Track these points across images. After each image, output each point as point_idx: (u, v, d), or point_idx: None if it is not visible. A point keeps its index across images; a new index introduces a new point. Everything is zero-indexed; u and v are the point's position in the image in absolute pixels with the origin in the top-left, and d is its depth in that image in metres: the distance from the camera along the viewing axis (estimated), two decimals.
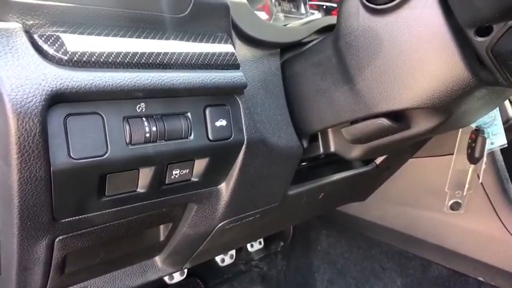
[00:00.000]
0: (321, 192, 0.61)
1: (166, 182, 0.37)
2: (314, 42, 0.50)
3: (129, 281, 0.51)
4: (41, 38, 0.29)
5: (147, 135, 0.33)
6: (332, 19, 0.53)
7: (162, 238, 0.48)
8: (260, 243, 1.03)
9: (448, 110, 0.41)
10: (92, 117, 0.30)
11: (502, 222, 0.68)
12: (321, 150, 0.54)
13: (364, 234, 0.87)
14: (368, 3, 0.38)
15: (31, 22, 0.29)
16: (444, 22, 0.35)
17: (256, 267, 1.05)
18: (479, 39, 0.34)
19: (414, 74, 0.37)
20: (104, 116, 0.31)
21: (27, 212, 0.30)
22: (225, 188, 0.43)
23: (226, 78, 0.37)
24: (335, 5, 0.68)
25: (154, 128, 0.33)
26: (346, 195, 0.74)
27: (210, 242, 0.50)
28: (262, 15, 0.59)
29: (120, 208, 0.36)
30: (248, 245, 1.01)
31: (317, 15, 0.67)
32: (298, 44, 0.50)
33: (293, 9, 0.65)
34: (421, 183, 0.74)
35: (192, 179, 0.39)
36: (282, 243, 1.05)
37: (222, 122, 0.37)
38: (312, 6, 0.67)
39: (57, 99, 0.28)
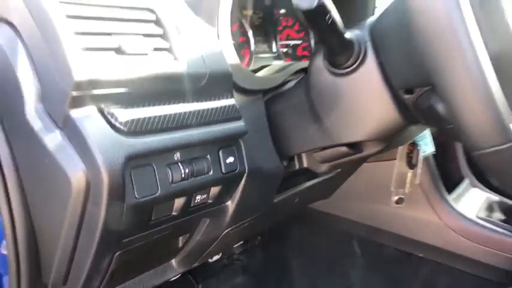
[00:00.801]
0: (296, 197, 0.76)
1: (191, 206, 0.51)
2: (290, 85, 0.64)
3: (153, 281, 0.63)
4: (110, 116, 0.41)
5: (183, 175, 0.46)
6: (303, 64, 0.68)
7: (180, 245, 0.61)
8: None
9: (389, 139, 0.57)
10: (147, 167, 0.43)
11: (435, 211, 0.88)
12: (297, 166, 0.69)
13: (330, 226, 1.04)
14: (330, 68, 0.53)
15: (102, 105, 0.41)
16: (383, 84, 0.51)
17: (237, 260, 1.19)
18: (406, 96, 0.50)
19: (365, 118, 0.53)
20: (154, 166, 0.44)
21: (105, 236, 0.43)
22: (230, 205, 0.57)
23: (233, 128, 0.51)
24: (299, 42, 0.83)
25: (187, 170, 0.46)
26: (314, 196, 0.90)
27: (216, 245, 0.64)
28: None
29: (159, 228, 0.49)
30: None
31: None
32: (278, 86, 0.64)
33: (267, 49, 0.79)
34: (373, 183, 0.91)
35: (208, 201, 0.53)
36: (259, 238, 1.20)
37: (230, 159, 0.51)
38: (282, 45, 0.81)
39: (128, 159, 0.41)
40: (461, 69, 0.37)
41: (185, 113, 0.46)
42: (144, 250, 0.53)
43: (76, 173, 0.38)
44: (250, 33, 0.76)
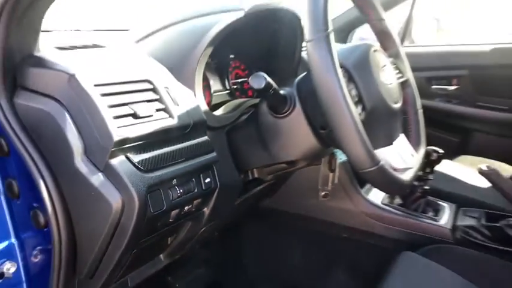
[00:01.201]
0: (250, 199, 1.00)
1: (182, 214, 0.72)
2: (243, 118, 0.88)
3: (148, 271, 0.84)
4: (134, 160, 0.61)
5: (178, 194, 0.68)
6: (252, 101, 0.91)
7: (168, 243, 0.83)
8: None
9: (313, 157, 0.84)
10: (157, 191, 0.64)
11: (352, 201, 1.17)
12: (250, 177, 0.93)
13: (275, 219, 1.30)
14: (272, 113, 0.78)
15: (128, 154, 0.61)
16: (307, 124, 0.76)
17: (199, 253, 1.41)
18: (322, 131, 0.76)
19: (297, 145, 0.78)
20: (161, 190, 0.65)
21: (132, 239, 0.63)
22: (206, 210, 0.80)
23: (209, 159, 0.73)
24: (246, 79, 1.07)
25: (181, 190, 0.68)
26: (262, 196, 1.15)
27: (193, 241, 0.86)
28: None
29: (161, 231, 0.71)
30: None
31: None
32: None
33: (222, 87, 1.02)
34: (306, 183, 1.18)
35: (192, 209, 0.75)
36: (216, 233, 1.43)
37: (208, 180, 0.74)
38: (232, 83, 1.05)
39: (147, 188, 0.62)
40: (339, 120, 0.62)
41: (178, 150, 0.68)
42: (147, 248, 0.74)
43: (116, 200, 0.59)
44: (210, 78, 0.98)
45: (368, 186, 1.25)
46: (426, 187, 1.17)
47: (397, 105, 0.77)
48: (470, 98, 1.85)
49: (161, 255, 0.87)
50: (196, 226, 0.82)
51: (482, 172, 1.01)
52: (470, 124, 1.88)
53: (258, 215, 1.31)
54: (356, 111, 0.64)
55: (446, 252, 1.00)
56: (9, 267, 0.70)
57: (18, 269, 0.71)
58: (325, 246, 1.25)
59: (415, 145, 0.87)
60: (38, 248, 0.73)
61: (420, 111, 0.93)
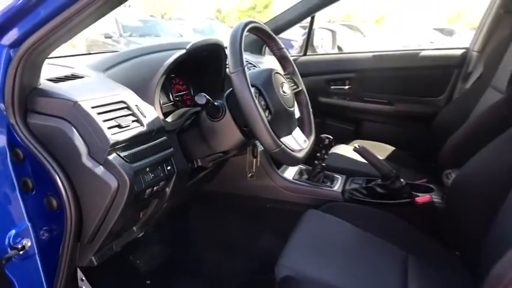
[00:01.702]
0: (197, 183, 1.34)
1: (152, 192, 1.04)
2: (188, 123, 1.21)
3: (125, 239, 1.14)
4: (123, 156, 0.92)
5: (151, 177, 0.99)
6: (194, 109, 1.25)
7: (140, 216, 1.13)
8: None
9: (242, 147, 1.20)
10: (138, 176, 0.95)
11: (272, 179, 1.55)
12: (196, 166, 1.26)
13: (215, 199, 1.65)
14: (210, 118, 1.12)
15: (118, 151, 0.92)
16: (235, 124, 1.11)
17: (151, 235, 1.68)
18: (245, 129, 1.12)
19: (229, 139, 1.13)
20: (140, 175, 0.96)
21: (123, 211, 0.94)
22: (168, 190, 1.12)
23: (169, 153, 1.06)
24: (184, 93, 1.40)
25: (152, 175, 0.99)
26: (204, 181, 1.49)
27: (157, 215, 1.18)
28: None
29: (140, 204, 1.02)
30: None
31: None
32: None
33: (167, 100, 1.34)
34: (238, 168, 1.54)
35: (159, 189, 1.07)
36: (166, 218, 1.73)
37: (169, 167, 1.06)
38: (175, 96, 1.37)
39: (134, 175, 0.93)
40: (254, 121, 0.98)
41: (148, 147, 1.00)
42: (128, 219, 1.05)
43: (114, 183, 0.90)
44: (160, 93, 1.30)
45: (283, 167, 1.65)
46: (323, 164, 1.60)
47: (292, 109, 1.16)
48: (359, 95, 2.36)
49: (134, 227, 1.17)
50: (160, 202, 1.14)
51: (355, 150, 1.45)
52: (361, 115, 2.39)
53: (201, 199, 1.64)
54: (264, 115, 1.01)
55: (338, 207, 1.41)
56: (27, 243, 0.97)
57: (32, 244, 0.98)
58: (254, 216, 1.63)
59: (308, 134, 1.27)
60: (46, 227, 1.00)
61: (310, 111, 1.33)
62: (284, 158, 1.06)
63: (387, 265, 1.14)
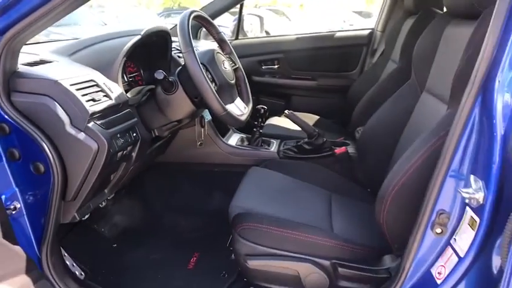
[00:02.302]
0: (154, 151, 1.56)
1: (123, 155, 1.25)
2: (144, 98, 1.42)
3: (98, 201, 1.34)
4: (99, 123, 1.12)
5: (122, 142, 1.20)
6: (148, 87, 1.45)
7: (111, 179, 1.34)
8: (113, 193, 1.85)
9: (193, 115, 1.44)
10: (112, 141, 1.16)
11: (218, 146, 1.81)
12: (153, 135, 1.48)
13: (169, 169, 1.87)
14: (165, 92, 1.34)
15: (95, 120, 1.12)
16: (186, 96, 1.35)
17: (110, 206, 1.85)
18: (195, 99, 1.36)
19: (182, 109, 1.37)
20: (113, 140, 1.17)
21: (102, 170, 1.14)
22: (133, 155, 1.33)
23: (133, 122, 1.27)
24: (136, 74, 1.59)
25: (123, 140, 1.20)
26: (159, 151, 1.71)
27: (125, 178, 1.39)
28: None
29: (114, 166, 1.23)
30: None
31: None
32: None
33: (124, 81, 1.53)
34: (188, 138, 1.78)
35: (127, 153, 1.28)
36: (123, 190, 1.91)
37: (134, 134, 1.28)
38: (129, 77, 1.56)
39: (109, 138, 1.13)
40: (204, 91, 1.24)
41: (118, 117, 1.21)
42: (103, 180, 1.25)
43: (94, 146, 1.10)
44: None
45: (226, 136, 1.92)
46: (261, 131, 1.89)
47: (233, 82, 1.42)
48: (287, 73, 2.69)
49: (106, 190, 1.37)
50: (127, 166, 1.35)
51: (286, 115, 1.76)
52: (290, 91, 2.72)
53: (155, 169, 1.86)
54: (212, 85, 1.26)
55: (275, 163, 1.71)
56: (16, 204, 1.14)
57: (21, 205, 1.15)
58: (205, 179, 1.88)
59: (247, 102, 1.54)
60: (32, 191, 1.17)
61: (247, 84, 1.60)
62: (230, 121, 1.32)
63: (316, 202, 1.45)
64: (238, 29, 2.69)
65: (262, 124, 1.88)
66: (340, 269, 1.16)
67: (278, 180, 1.58)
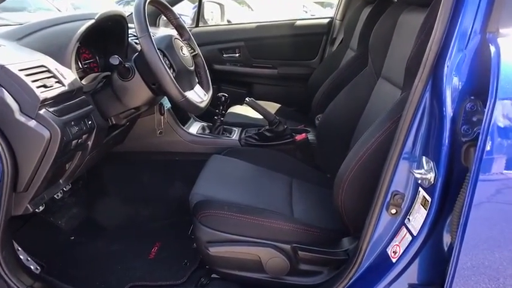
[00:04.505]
0: (111, 139, 1.51)
1: (78, 143, 1.20)
2: (101, 85, 1.37)
3: (54, 191, 1.29)
4: (51, 111, 1.07)
5: (76, 130, 1.15)
6: (104, 74, 1.40)
7: (66, 168, 1.28)
8: (69, 184, 1.77)
9: (150, 102, 1.41)
10: (66, 128, 1.11)
11: (178, 135, 1.78)
12: (111, 123, 1.43)
13: (128, 159, 1.82)
14: (121, 79, 1.30)
15: (47, 107, 1.07)
16: (143, 82, 1.31)
17: (67, 197, 1.79)
18: (153, 86, 1.33)
19: (139, 96, 1.33)
20: (67, 128, 1.12)
21: (55, 159, 1.09)
22: (90, 143, 1.28)
23: (89, 109, 1.22)
24: (91, 61, 1.53)
25: (77, 128, 1.16)
26: (117, 141, 1.66)
27: (80, 168, 1.34)
28: None
29: (68, 155, 1.18)
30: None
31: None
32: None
33: (78, 67, 1.46)
34: (148, 127, 1.74)
35: (83, 141, 1.23)
36: (81, 182, 1.85)
37: (90, 122, 1.23)
38: (84, 63, 1.49)
39: (62, 126, 1.09)
40: (162, 77, 1.20)
41: (71, 104, 1.16)
42: (57, 169, 1.20)
43: (47, 134, 1.05)
44: None
45: (187, 124, 1.89)
46: (222, 119, 1.88)
47: (192, 68, 1.40)
48: (248, 61, 2.68)
49: (61, 180, 1.32)
50: (83, 155, 1.30)
51: (246, 102, 1.76)
52: (251, 79, 2.72)
53: (114, 159, 1.80)
54: (170, 71, 1.24)
55: (236, 151, 1.71)
56: None
57: None
58: (166, 169, 1.85)
59: (206, 89, 1.52)
60: None
61: (207, 71, 1.58)
62: (189, 107, 1.31)
63: (277, 188, 1.47)
64: (199, 16, 2.65)
65: (223, 112, 1.87)
66: (300, 253, 1.19)
67: (239, 167, 1.58)
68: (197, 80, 1.47)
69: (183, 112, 1.94)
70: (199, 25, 2.66)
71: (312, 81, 2.40)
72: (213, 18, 2.79)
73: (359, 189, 1.10)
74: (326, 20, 2.66)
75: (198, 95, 1.41)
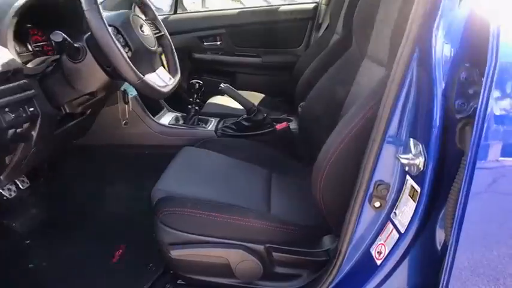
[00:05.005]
0: (65, 132, 1.35)
1: (16, 133, 1.04)
2: (50, 69, 1.21)
3: (4, 182, 1.13)
4: None
5: (12, 117, 0.99)
6: (55, 57, 1.24)
7: (7, 163, 1.12)
8: (27, 182, 1.61)
9: (107, 87, 1.25)
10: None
11: (148, 126, 1.63)
12: (64, 112, 1.27)
13: (91, 153, 1.66)
14: (71, 60, 1.14)
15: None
16: (96, 64, 1.15)
17: (26, 199, 1.63)
18: (108, 68, 1.17)
19: (93, 80, 1.18)
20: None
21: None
22: (34, 134, 1.12)
23: (31, 94, 1.06)
24: (44, 43, 1.37)
25: (13, 115, 1.00)
26: (75, 134, 1.50)
27: (24, 163, 1.18)
28: None
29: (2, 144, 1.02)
30: (20, 185, 1.57)
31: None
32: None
33: (26, 50, 1.30)
34: (111, 117, 1.58)
35: (23, 131, 1.07)
36: (42, 179, 1.69)
37: (32, 109, 1.07)
38: (35, 46, 1.33)
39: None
40: (115, 58, 1.05)
41: (6, 88, 1.00)
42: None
43: None
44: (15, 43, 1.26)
45: (160, 113, 1.74)
46: (197, 108, 1.73)
47: (154, 48, 1.24)
48: (230, 50, 2.52)
49: (1, 176, 1.16)
50: (27, 147, 1.14)
51: (221, 88, 1.60)
52: (234, 68, 2.56)
53: (78, 153, 1.65)
54: (124, 50, 1.08)
55: (211, 142, 1.55)
56: None
57: None
58: (134, 163, 1.69)
59: (173, 73, 1.37)
60: None
61: (175, 53, 1.42)
62: (148, 91, 1.15)
63: (254, 182, 1.32)
64: (177, 2, 2.48)
65: (197, 101, 1.72)
66: (274, 254, 1.04)
67: (213, 160, 1.43)
68: (162, 63, 1.31)
69: (154, 101, 1.79)
70: (178, 12, 2.50)
71: (297, 70, 2.25)
72: (194, 2, 2.63)
73: (340, 179, 0.95)
74: (311, 5, 2.51)
75: (162, 79, 1.25)
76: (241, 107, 1.72)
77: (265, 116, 1.62)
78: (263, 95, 2.29)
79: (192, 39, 2.49)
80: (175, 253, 1.05)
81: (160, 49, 1.33)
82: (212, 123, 1.74)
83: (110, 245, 1.44)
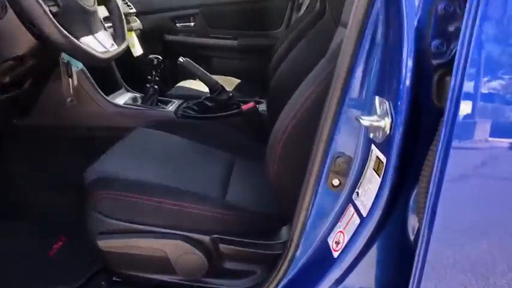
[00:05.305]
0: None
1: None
2: None
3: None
4: None
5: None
6: None
7: None
8: None
9: (38, 55, 1.07)
10: None
11: (100, 106, 1.44)
12: None
13: (35, 133, 1.47)
14: None
15: None
16: (20, 23, 0.98)
17: None
18: (32, 27, 1.00)
19: (18, 41, 1.00)
20: None
21: None
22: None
23: None
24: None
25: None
26: (16, 111, 1.32)
27: None
28: None
29: None
30: None
31: None
32: None
33: None
34: (55, 95, 1.39)
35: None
36: None
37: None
38: None
39: None
40: (33, 12, 0.88)
41: None
42: None
43: None
44: None
45: (117, 93, 1.56)
46: (156, 86, 1.55)
47: (92, 8, 1.07)
48: (205, 32, 2.35)
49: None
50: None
51: (179, 63, 1.43)
52: (208, 52, 2.39)
53: (19, 135, 1.46)
54: (45, 4, 0.90)
55: (169, 124, 1.40)
56: None
57: None
58: (82, 147, 1.48)
59: (119, 41, 1.19)
60: None
61: (123, 20, 1.25)
62: (81, 55, 0.98)
63: (213, 166, 1.15)
64: None
65: (156, 79, 1.54)
66: (221, 246, 0.87)
67: (167, 142, 1.26)
68: (104, 27, 1.14)
69: (110, 79, 1.61)
70: None
71: (275, 52, 2.08)
72: None
73: (298, 155, 0.78)
74: None
75: (101, 44, 1.08)
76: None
77: (230, 96, 1.45)
78: (238, 80, 2.12)
79: (164, 20, 2.32)
80: (103, 244, 0.88)
81: (102, 12, 1.16)
82: (174, 105, 1.57)
83: (49, 237, 1.27)
